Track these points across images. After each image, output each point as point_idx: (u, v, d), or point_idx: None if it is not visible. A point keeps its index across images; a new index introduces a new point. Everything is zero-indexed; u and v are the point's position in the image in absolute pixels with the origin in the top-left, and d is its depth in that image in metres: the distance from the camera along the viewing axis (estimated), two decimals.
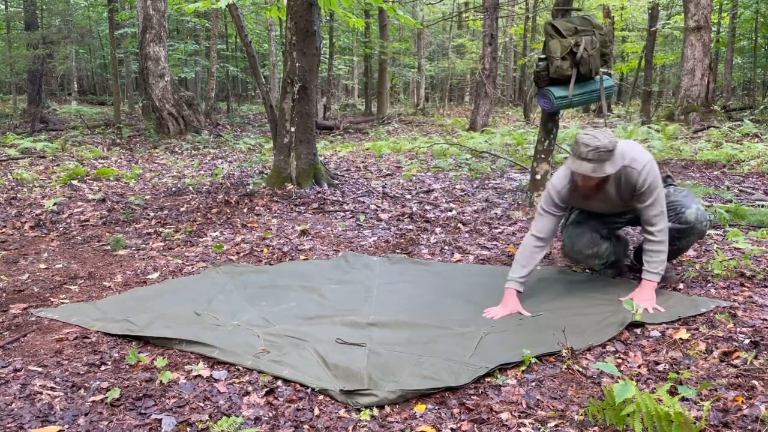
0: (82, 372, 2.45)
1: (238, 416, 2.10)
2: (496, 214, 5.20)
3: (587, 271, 3.57)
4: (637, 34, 21.41)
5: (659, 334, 2.66)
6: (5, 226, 5.06)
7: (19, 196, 6.31)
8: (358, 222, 5.13)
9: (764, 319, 2.71)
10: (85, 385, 2.34)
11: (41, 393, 2.26)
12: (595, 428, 1.97)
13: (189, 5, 6.02)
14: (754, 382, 2.18)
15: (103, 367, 2.49)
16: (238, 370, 2.46)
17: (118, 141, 11.66)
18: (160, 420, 2.08)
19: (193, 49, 18.66)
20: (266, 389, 2.29)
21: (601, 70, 4.67)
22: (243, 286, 3.47)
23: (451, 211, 5.40)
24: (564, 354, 2.48)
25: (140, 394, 2.25)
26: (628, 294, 3.02)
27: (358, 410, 2.14)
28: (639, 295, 2.94)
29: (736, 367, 2.31)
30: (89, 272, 3.85)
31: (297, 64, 6.13)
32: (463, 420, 2.07)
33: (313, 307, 3.15)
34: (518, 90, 25.78)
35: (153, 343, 2.73)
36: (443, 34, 26.23)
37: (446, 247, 4.30)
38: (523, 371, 2.39)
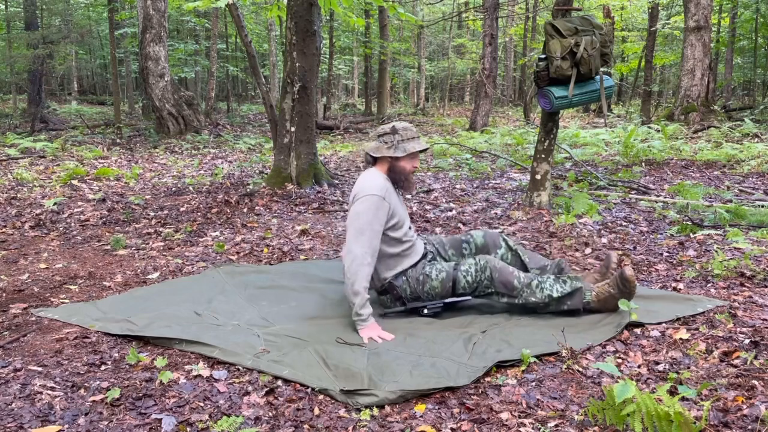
0: (82, 372, 2.45)
1: (238, 416, 2.10)
2: (496, 213, 5.19)
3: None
4: (637, 34, 21.41)
5: (659, 334, 2.66)
6: (5, 226, 5.06)
7: (19, 195, 6.31)
8: None
9: (764, 319, 2.71)
10: (85, 384, 2.34)
11: (41, 393, 2.26)
12: (595, 428, 1.97)
13: (188, 3, 6.02)
14: (754, 382, 2.17)
15: (103, 367, 2.49)
16: (238, 370, 2.46)
17: (118, 141, 11.66)
18: (160, 420, 2.08)
19: (193, 49, 18.67)
20: (266, 389, 2.29)
21: (601, 70, 4.67)
22: (243, 286, 3.47)
23: (451, 210, 5.40)
24: (564, 354, 2.48)
25: (140, 394, 2.25)
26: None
27: (358, 410, 2.14)
28: None
29: (736, 367, 2.31)
30: (89, 272, 3.85)
31: (297, 64, 6.13)
32: (463, 420, 2.07)
33: (313, 307, 3.15)
34: (518, 90, 25.80)
35: (153, 343, 2.73)
36: (443, 34, 26.26)
37: None
38: (523, 371, 2.39)
